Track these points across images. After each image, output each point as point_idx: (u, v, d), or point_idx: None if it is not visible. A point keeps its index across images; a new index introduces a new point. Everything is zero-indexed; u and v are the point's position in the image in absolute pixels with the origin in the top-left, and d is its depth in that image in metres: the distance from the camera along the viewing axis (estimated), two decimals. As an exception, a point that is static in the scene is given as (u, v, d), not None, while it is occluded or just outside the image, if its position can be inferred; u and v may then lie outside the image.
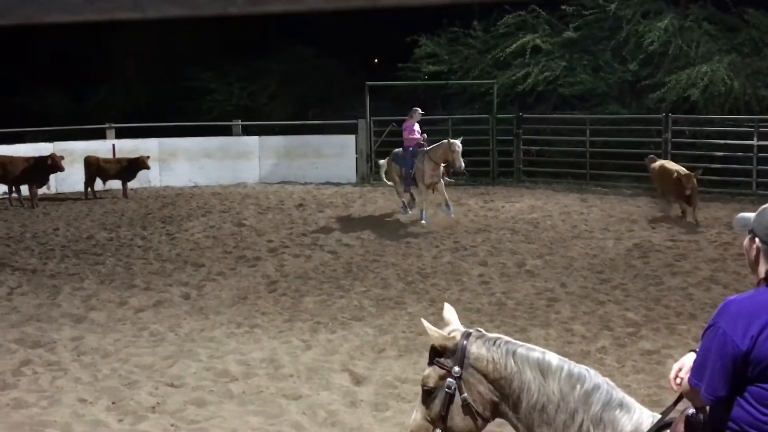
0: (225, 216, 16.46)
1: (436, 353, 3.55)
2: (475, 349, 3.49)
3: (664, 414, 3.26)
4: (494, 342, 3.51)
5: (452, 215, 15.11)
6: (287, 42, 27.17)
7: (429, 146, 15.26)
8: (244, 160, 21.45)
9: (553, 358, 3.46)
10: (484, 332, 3.59)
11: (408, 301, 10.21)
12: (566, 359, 3.50)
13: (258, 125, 23.15)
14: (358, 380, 7.56)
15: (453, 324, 3.65)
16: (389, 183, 16.62)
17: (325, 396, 7.19)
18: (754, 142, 17.57)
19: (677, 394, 3.17)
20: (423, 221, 14.93)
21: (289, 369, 7.87)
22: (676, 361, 3.19)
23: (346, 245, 13.51)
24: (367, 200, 18.21)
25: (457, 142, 14.84)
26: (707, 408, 3.03)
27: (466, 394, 3.47)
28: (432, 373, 3.55)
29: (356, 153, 21.29)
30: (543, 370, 3.41)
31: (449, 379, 3.49)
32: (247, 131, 22.59)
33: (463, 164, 14.82)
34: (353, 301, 10.27)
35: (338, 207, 17.39)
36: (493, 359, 3.46)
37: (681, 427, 3.13)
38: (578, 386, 3.36)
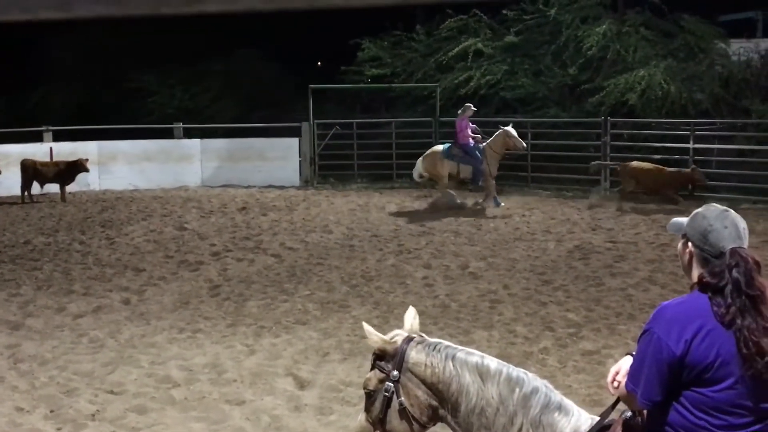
0: (166, 220, 16.26)
1: (377, 357, 3.57)
2: (414, 353, 3.51)
3: (602, 416, 3.32)
4: (434, 347, 3.54)
5: (502, 204, 16.80)
6: (230, 44, 26.96)
7: (487, 139, 16.77)
8: (185, 163, 21.22)
9: (492, 362, 3.50)
10: (426, 337, 3.61)
11: (352, 305, 10.21)
12: (505, 363, 3.54)
13: (200, 128, 22.91)
14: (302, 384, 7.54)
15: (405, 326, 3.67)
16: (419, 179, 17.75)
17: (269, 401, 7.15)
18: (690, 145, 17.98)
19: (615, 396, 3.22)
20: (501, 204, 16.78)
21: (232, 374, 7.80)
22: (616, 361, 3.24)
23: (290, 249, 13.46)
24: (311, 203, 18.16)
25: (510, 128, 16.59)
26: (645, 411, 3.10)
27: (402, 398, 3.49)
28: (373, 376, 3.58)
29: (300, 156, 21.23)
30: (482, 374, 3.45)
31: (387, 383, 3.51)
32: (189, 134, 22.35)
33: (524, 144, 16.85)
34: (297, 304, 10.23)
35: (282, 210, 17.31)
36: (432, 364, 3.49)
37: (619, 430, 3.19)
38: (517, 389, 3.40)
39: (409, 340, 3.56)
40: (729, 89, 19.99)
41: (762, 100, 19.35)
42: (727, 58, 20.99)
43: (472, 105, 17.09)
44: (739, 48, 21.05)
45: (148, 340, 8.92)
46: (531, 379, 3.46)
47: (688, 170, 16.67)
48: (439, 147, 17.24)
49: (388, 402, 3.51)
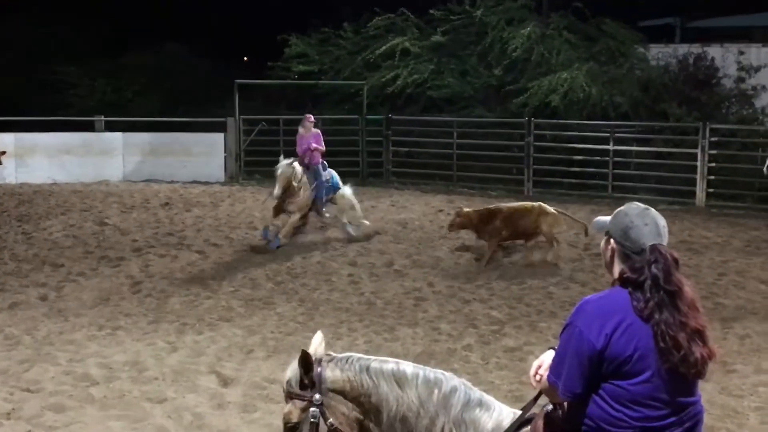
0: (86, 215, 15.87)
1: (301, 386, 3.53)
2: (330, 372, 3.51)
3: (524, 410, 3.38)
4: (346, 361, 3.55)
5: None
6: (156, 38, 26.51)
7: None
8: (107, 156, 20.74)
9: (408, 367, 3.53)
10: (333, 354, 3.62)
11: (277, 302, 10.16)
12: (421, 366, 3.57)
13: (123, 121, 22.43)
14: (225, 382, 7.46)
15: (311, 351, 3.61)
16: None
17: (192, 398, 7.06)
18: (610, 147, 18.40)
19: (537, 391, 3.29)
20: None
21: (153, 372, 7.68)
22: (537, 357, 3.31)
23: (214, 245, 13.30)
24: (236, 199, 17.98)
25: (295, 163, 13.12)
26: (565, 404, 3.16)
27: (331, 419, 3.48)
28: (292, 409, 3.54)
29: (225, 152, 20.98)
30: (399, 380, 3.48)
31: (312, 409, 3.49)
32: (111, 127, 21.85)
33: None
34: (221, 301, 10.13)
35: (206, 206, 17.09)
36: (349, 378, 3.50)
37: (540, 423, 3.25)
38: (436, 391, 3.45)
39: (318, 362, 3.55)
40: (648, 93, 20.54)
41: (679, 103, 19.93)
42: (646, 62, 21.57)
43: (311, 116, 14.08)
44: (657, 53, 21.65)
45: (67, 337, 8.71)
46: (449, 378, 3.51)
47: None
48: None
49: (316, 427, 3.49)
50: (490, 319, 9.51)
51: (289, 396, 3.56)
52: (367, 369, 3.50)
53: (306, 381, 3.50)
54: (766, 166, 14.29)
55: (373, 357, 3.60)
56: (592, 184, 18.69)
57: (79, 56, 25.55)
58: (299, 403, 3.51)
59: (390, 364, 3.54)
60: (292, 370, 3.54)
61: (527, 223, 11.91)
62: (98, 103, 24.88)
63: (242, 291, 10.61)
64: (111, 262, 12.11)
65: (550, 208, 12.11)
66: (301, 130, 13.85)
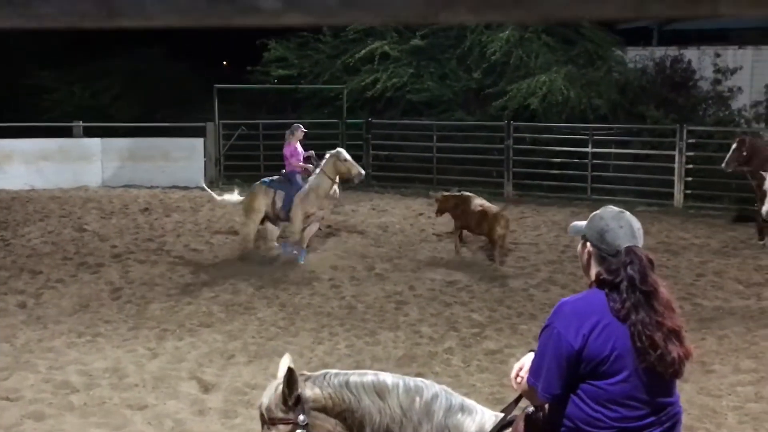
0: (65, 221, 15.77)
1: (284, 408, 3.53)
2: (309, 391, 3.52)
3: (506, 413, 3.40)
4: (324, 378, 3.56)
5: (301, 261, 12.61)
6: (134, 42, 26.36)
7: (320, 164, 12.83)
8: (85, 162, 20.61)
9: (388, 377, 3.55)
10: (308, 373, 3.62)
11: (258, 306, 10.14)
12: (399, 375, 3.59)
13: (101, 126, 22.30)
14: (206, 388, 7.44)
15: (279, 375, 3.60)
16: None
17: (172, 405, 7.03)
18: (589, 149, 18.52)
19: (517, 393, 3.31)
20: (300, 260, 12.53)
21: (133, 378, 7.64)
22: (517, 360, 3.33)
23: (195, 250, 13.25)
24: (216, 204, 17.90)
25: (342, 151, 12.88)
26: (546, 406, 3.19)
27: None
28: None
29: (205, 156, 20.92)
30: (379, 391, 3.49)
31: (298, 431, 3.49)
32: (90, 133, 21.72)
33: (360, 170, 12.68)
34: (202, 307, 10.10)
35: (186, 211, 17.02)
36: (330, 395, 3.50)
37: (521, 425, 3.27)
38: (417, 399, 3.46)
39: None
40: (626, 95, 20.68)
41: (656, 106, 20.09)
42: (624, 65, 21.71)
43: (301, 125, 13.64)
44: (635, 56, 21.80)
45: (46, 344, 8.65)
46: (429, 385, 3.53)
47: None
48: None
49: None
50: (471, 321, 9.54)
51: (271, 422, 3.51)
52: (347, 384, 3.50)
53: (290, 401, 3.47)
54: (725, 162, 14.46)
55: (350, 371, 3.61)
56: (572, 186, 18.78)
57: (56, 61, 25.36)
58: (284, 428, 3.49)
59: (369, 376, 3.55)
60: (269, 395, 3.50)
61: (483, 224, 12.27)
62: (76, 109, 24.70)
63: (223, 296, 10.58)
64: (90, 268, 12.04)
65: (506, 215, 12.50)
66: (290, 138, 13.20)
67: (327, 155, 12.68)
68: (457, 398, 3.53)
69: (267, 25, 0.72)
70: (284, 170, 13.00)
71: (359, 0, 0.64)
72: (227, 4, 0.67)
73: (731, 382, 7.64)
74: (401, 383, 3.51)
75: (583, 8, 0.63)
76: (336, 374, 3.57)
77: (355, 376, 3.54)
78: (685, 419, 3.25)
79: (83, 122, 21.88)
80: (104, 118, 23.35)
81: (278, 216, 12.68)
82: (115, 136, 21.64)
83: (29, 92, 25.08)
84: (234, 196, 13.35)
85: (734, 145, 14.24)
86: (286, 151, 13.06)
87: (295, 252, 12.53)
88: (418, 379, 3.57)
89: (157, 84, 25.90)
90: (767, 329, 9.24)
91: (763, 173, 12.19)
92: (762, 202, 11.95)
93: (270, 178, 13.09)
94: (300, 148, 13.16)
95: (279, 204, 12.61)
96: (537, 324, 9.02)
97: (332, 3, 0.65)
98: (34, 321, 9.50)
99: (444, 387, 3.57)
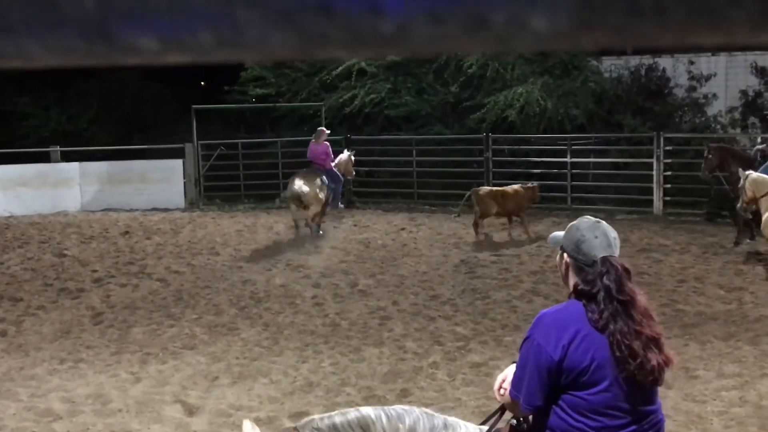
0: (44, 246, 15.65)
1: None
2: None
3: (490, 427, 3.40)
4: (310, 424, 3.54)
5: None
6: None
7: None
8: (63, 187, 20.48)
9: (369, 411, 3.56)
10: (292, 425, 3.62)
11: (241, 327, 10.09)
12: (380, 407, 3.61)
13: (79, 151, 22.17)
14: (191, 411, 7.38)
15: None
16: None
17: (157, 429, 6.98)
18: (568, 159, 18.62)
19: (499, 405, 3.32)
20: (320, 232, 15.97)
21: (117, 404, 7.57)
22: (502, 372, 3.34)
23: (176, 272, 13.18)
24: (197, 225, 17.85)
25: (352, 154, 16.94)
26: (530, 417, 3.19)
27: None
28: None
29: (184, 178, 20.85)
30: (364, 426, 3.50)
31: None
32: (67, 157, 21.60)
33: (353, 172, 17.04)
34: (184, 329, 10.03)
35: (167, 233, 16.94)
36: None
37: (505, 436, 3.28)
38: (401, 426, 3.47)
39: None
40: (602, 105, 20.86)
41: (633, 114, 20.27)
42: (599, 75, 21.89)
43: (324, 128, 16.80)
44: (610, 65, 21.99)
45: (27, 372, 8.56)
46: (409, 411, 3.55)
47: (531, 186, 15.63)
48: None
49: None
50: (456, 335, 9.53)
51: None
52: (334, 426, 3.51)
53: None
54: (701, 170, 14.64)
55: (332, 413, 3.61)
56: (551, 196, 18.86)
57: (30, 85, 25.22)
58: None
59: (352, 413, 3.56)
60: None
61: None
62: (53, 133, 24.57)
63: (205, 318, 10.52)
64: (71, 293, 11.95)
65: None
66: (313, 140, 16.33)
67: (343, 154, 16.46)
68: (439, 418, 3.54)
69: (148, 63, 0.73)
70: (319, 166, 15.91)
71: (236, 39, 0.65)
72: (105, 45, 0.68)
73: (715, 387, 7.66)
74: (383, 414, 3.52)
75: (449, 44, 0.65)
76: (321, 419, 3.57)
77: (338, 417, 3.54)
78: (670, 426, 3.27)
79: (60, 147, 21.73)
80: (82, 142, 23.22)
81: (327, 203, 15.91)
82: (93, 160, 21.51)
83: (5, 118, 24.94)
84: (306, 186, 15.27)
85: (705, 154, 14.48)
86: (319, 150, 16.10)
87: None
88: (398, 406, 3.60)
89: (133, 106, 25.83)
90: (749, 333, 9.29)
91: (741, 171, 12.29)
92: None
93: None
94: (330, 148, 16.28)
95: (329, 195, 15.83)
96: (521, 335, 8.96)
97: (208, 42, 0.66)
98: (15, 349, 9.41)
99: (423, 409, 3.59)
